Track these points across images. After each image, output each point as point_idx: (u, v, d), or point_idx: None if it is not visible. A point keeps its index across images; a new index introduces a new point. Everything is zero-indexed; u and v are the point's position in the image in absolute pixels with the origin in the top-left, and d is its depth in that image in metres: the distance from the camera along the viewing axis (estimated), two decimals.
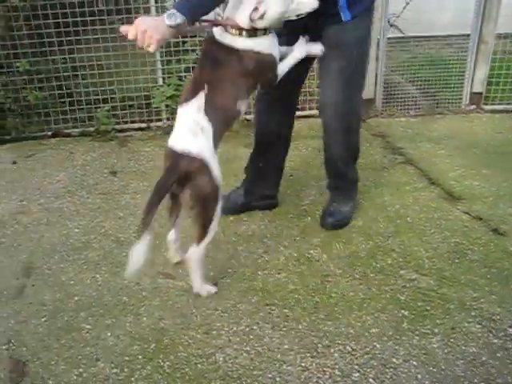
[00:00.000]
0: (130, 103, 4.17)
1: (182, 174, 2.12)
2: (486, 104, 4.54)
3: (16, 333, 2.25)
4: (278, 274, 2.56)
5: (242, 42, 2.25)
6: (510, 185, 3.29)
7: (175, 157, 2.15)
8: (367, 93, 4.41)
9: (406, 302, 2.35)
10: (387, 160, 3.67)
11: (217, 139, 2.23)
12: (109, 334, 2.23)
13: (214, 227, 2.28)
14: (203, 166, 2.14)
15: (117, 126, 4.11)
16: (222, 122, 2.25)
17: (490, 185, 3.29)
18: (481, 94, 4.51)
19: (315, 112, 4.36)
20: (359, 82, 2.74)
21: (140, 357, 2.12)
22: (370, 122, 4.34)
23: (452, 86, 4.57)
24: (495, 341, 2.13)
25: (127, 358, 2.11)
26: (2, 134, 4.01)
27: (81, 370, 2.07)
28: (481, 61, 4.42)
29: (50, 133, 4.08)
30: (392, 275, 2.52)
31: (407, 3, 4.56)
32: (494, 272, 2.52)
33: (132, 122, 4.19)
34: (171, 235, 2.51)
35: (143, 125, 4.17)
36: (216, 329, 2.24)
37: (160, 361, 2.09)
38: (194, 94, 2.21)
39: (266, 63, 2.34)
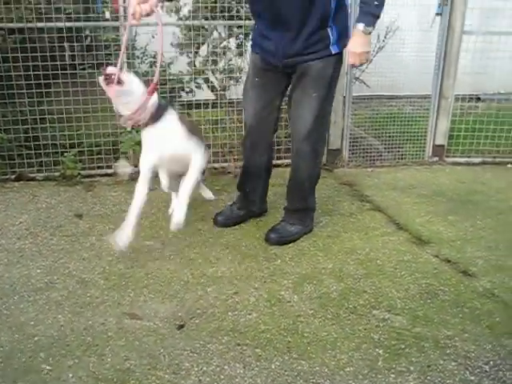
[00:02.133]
0: (98, 149, 4.12)
1: None
2: (448, 156, 4.68)
3: None
4: (249, 314, 2.49)
5: None
6: (476, 230, 3.35)
7: None
8: (334, 143, 4.51)
9: (380, 340, 2.31)
10: (355, 207, 3.69)
11: None
12: (70, 375, 2.10)
13: None
14: None
15: (83, 172, 4.04)
16: None
17: (457, 230, 3.34)
18: (443, 146, 4.65)
19: (283, 161, 4.41)
20: (330, 110, 3.08)
21: None
22: (338, 171, 4.40)
23: (415, 139, 4.71)
24: (472, 378, 2.09)
25: None
26: None
27: None
28: (442, 114, 4.59)
29: (13, 176, 3.97)
30: (365, 315, 2.48)
31: (371, 60, 4.72)
32: (466, 311, 2.51)
33: (99, 167, 4.13)
34: None
35: (110, 171, 4.12)
36: (185, 369, 2.14)
37: None
38: None
39: None
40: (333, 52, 2.79)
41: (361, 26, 2.68)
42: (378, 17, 2.70)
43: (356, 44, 2.73)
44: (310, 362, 2.18)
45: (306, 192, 3.19)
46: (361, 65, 2.90)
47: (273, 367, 2.15)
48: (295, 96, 2.94)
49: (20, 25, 3.78)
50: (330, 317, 2.47)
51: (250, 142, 3.19)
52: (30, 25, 3.77)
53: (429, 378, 2.09)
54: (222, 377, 2.10)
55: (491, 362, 2.18)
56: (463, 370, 2.13)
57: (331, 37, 2.76)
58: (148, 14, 2.59)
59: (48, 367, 2.14)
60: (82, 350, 2.23)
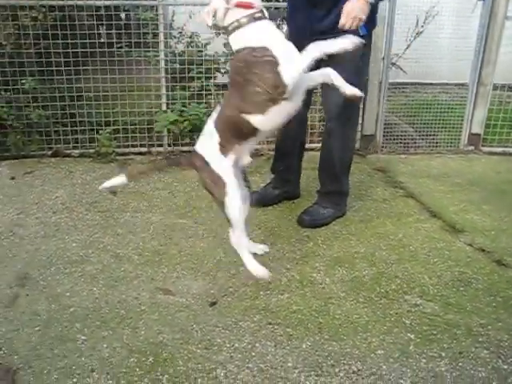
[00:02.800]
0: (132, 127, 4.16)
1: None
2: (484, 146, 4.60)
3: (7, 340, 2.16)
4: (281, 294, 2.50)
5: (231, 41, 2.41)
6: (511, 220, 3.29)
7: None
8: (368, 129, 4.47)
9: (412, 326, 2.30)
10: (388, 193, 3.66)
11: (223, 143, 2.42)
12: (105, 346, 2.15)
13: (231, 212, 2.43)
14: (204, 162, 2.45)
15: (118, 150, 4.09)
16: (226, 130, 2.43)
17: (492, 219, 3.29)
18: (479, 135, 4.57)
19: (316, 145, 4.39)
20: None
21: (137, 369, 2.03)
22: (371, 157, 4.36)
23: (451, 127, 4.64)
24: (505, 366, 2.07)
25: (124, 370, 2.03)
26: (1, 151, 3.97)
27: (75, 380, 1.98)
28: (480, 103, 4.52)
29: (49, 152, 4.04)
30: (396, 300, 2.47)
31: (408, 45, 4.67)
32: (500, 301, 2.48)
33: (133, 146, 4.18)
34: None
35: (144, 149, 4.16)
36: (217, 345, 2.17)
37: (158, 374, 2.01)
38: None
39: (260, 61, 2.26)
40: (361, 33, 2.67)
41: None
42: None
43: (354, 6, 2.60)
44: (340, 344, 2.19)
45: (337, 174, 3.19)
46: (349, 29, 2.62)
47: (303, 347, 2.17)
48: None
49: (60, 2, 3.82)
50: (362, 300, 2.47)
51: None
52: (70, 2, 3.81)
53: (460, 364, 2.08)
54: (254, 354, 2.12)
55: None
56: (495, 358, 2.11)
57: None
58: None
59: (83, 337, 2.19)
60: (116, 322, 2.28)
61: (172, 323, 2.29)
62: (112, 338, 2.19)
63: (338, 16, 2.65)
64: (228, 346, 2.17)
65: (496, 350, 2.16)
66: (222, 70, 4.28)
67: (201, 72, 4.13)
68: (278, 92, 2.26)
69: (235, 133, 2.40)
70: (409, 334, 2.24)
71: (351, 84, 2.60)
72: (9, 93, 3.91)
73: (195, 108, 4.05)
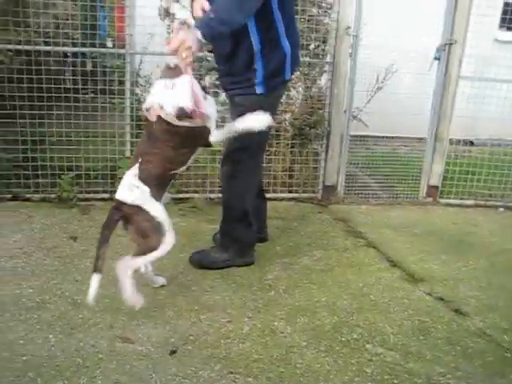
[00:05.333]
0: (95, 173, 4.14)
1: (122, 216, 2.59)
2: (441, 197, 4.75)
3: None
4: (242, 343, 2.47)
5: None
6: (469, 270, 3.38)
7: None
8: (330, 179, 4.55)
9: (373, 374, 2.30)
10: (349, 242, 3.71)
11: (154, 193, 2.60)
12: None
13: (154, 254, 2.58)
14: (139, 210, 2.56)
15: (80, 195, 4.04)
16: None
17: (450, 269, 3.36)
18: (437, 187, 4.71)
19: (278, 195, 4.45)
20: (249, 146, 3.01)
21: None
22: (332, 207, 4.43)
23: (410, 179, 4.77)
24: None
25: None
26: None
27: None
28: (437, 156, 4.68)
29: (9, 196, 3.96)
30: (358, 349, 2.48)
31: (369, 99, 4.83)
32: (459, 349, 2.51)
33: (95, 192, 4.14)
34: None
35: (106, 195, 4.12)
36: None
37: None
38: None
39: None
40: (257, 92, 2.88)
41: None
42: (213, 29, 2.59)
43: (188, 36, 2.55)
44: None
45: (224, 216, 3.22)
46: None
47: None
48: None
49: (27, 47, 3.84)
50: (323, 349, 2.46)
51: None
52: (37, 47, 3.83)
53: None
54: None
55: None
56: None
57: (255, 78, 2.86)
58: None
59: None
60: (71, 372, 2.20)
61: (130, 372, 2.22)
62: None
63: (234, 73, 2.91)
64: None
65: None
66: None
67: None
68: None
69: (163, 183, 2.69)
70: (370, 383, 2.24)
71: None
72: None
73: None
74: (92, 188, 4.14)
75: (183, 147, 2.64)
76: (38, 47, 3.86)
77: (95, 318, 2.58)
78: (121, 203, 2.60)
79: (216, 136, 2.68)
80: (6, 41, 3.83)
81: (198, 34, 2.54)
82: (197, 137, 2.64)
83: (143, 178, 2.58)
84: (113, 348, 2.37)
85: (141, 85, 4.26)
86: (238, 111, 2.83)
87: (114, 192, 4.03)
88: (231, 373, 2.26)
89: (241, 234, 3.20)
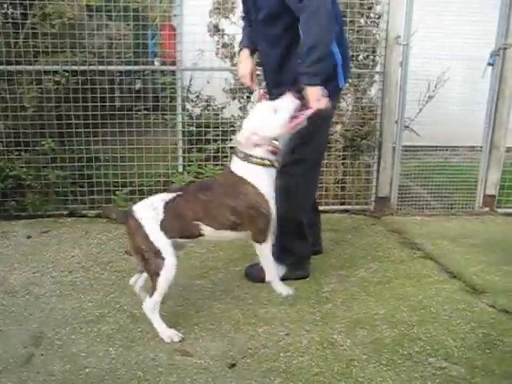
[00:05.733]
0: (148, 188, 4.19)
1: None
2: (498, 207, 4.60)
3: None
4: (301, 356, 2.44)
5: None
6: None
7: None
8: (382, 191, 4.48)
9: None
10: (405, 254, 3.63)
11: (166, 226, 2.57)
12: None
13: (161, 282, 2.52)
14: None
15: None
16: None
17: None
18: (494, 196, 4.58)
19: (330, 207, 4.41)
20: (306, 157, 3.03)
21: None
22: (386, 219, 4.35)
23: (464, 189, 4.65)
24: None
25: None
26: (18, 210, 4.01)
27: None
28: (493, 165, 4.55)
29: (65, 212, 4.07)
30: (421, 362, 2.40)
31: (421, 109, 4.74)
32: None
33: None
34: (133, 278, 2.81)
35: None
36: None
37: None
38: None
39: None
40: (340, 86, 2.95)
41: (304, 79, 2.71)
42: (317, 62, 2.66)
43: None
44: None
45: (280, 229, 2.94)
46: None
47: None
48: None
49: (82, 67, 3.95)
50: (385, 362, 2.40)
51: None
52: (92, 67, 3.94)
53: None
54: None
55: None
56: None
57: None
58: None
59: None
60: None
61: None
62: None
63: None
64: None
65: None
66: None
67: (217, 135, 4.20)
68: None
69: (180, 229, 2.61)
70: None
71: (296, 138, 2.79)
72: (28, 153, 3.98)
73: (211, 170, 4.10)
74: None
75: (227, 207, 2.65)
76: (92, 67, 3.98)
77: (153, 331, 2.59)
78: (131, 213, 2.59)
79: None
80: (63, 62, 3.95)
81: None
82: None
83: (168, 208, 2.58)
84: (172, 361, 2.37)
85: (192, 100, 4.31)
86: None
87: None
88: None
89: (296, 247, 3.17)
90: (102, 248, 3.53)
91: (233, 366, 2.35)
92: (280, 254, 3.11)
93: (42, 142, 3.91)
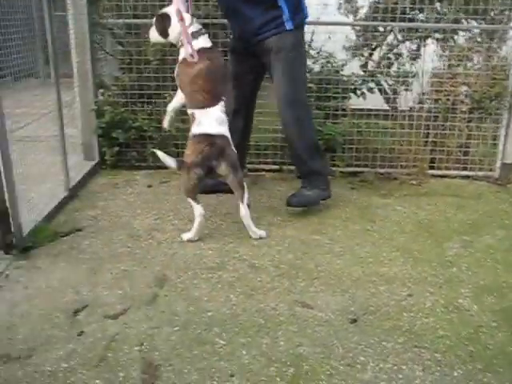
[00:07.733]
0: (264, 144, 4.17)
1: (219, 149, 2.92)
2: None
3: (148, 337, 2.19)
4: (425, 318, 2.35)
5: None
6: None
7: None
8: (509, 157, 4.18)
9: None
10: None
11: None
12: (244, 352, 2.11)
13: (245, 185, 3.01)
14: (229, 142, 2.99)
15: (249, 166, 4.09)
16: None
17: None
18: None
19: (451, 172, 4.19)
20: (301, 78, 3.34)
21: (278, 379, 1.97)
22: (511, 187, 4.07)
23: None
24: None
25: (264, 379, 1.97)
26: (139, 161, 4.14)
27: (214, 382, 1.96)
28: None
29: None
30: None
31: None
32: None
33: (265, 163, 4.18)
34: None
35: (275, 167, 4.15)
36: (360, 363, 2.06)
37: None
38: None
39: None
40: (287, 28, 3.11)
41: None
42: None
43: None
44: (497, 377, 2.00)
45: (303, 157, 3.36)
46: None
47: (455, 374, 2.01)
48: (270, 72, 3.29)
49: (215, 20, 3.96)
50: None
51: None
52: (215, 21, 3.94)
53: None
54: (401, 376, 1.99)
55: None
56: None
57: (283, 14, 3.09)
58: None
59: (222, 341, 2.17)
60: (254, 331, 2.24)
61: (312, 337, 2.20)
62: (251, 345, 2.15)
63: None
64: (372, 365, 2.05)
65: None
66: (358, 92, 4.19)
67: (337, 92, 4.08)
68: None
69: None
70: None
71: (289, 69, 3.19)
72: (151, 106, 4.08)
73: (330, 128, 4.00)
74: (262, 159, 4.20)
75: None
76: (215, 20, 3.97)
77: (273, 282, 2.60)
78: (215, 137, 2.91)
79: None
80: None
81: None
82: None
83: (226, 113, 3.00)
84: (293, 312, 2.37)
85: (312, 56, 4.20)
86: (279, 58, 3.14)
87: (283, 164, 4.17)
88: (416, 347, 2.16)
89: (319, 167, 3.41)
90: (220, 200, 3.57)
91: (354, 321, 2.31)
92: (311, 179, 3.39)
93: (165, 95, 3.97)
